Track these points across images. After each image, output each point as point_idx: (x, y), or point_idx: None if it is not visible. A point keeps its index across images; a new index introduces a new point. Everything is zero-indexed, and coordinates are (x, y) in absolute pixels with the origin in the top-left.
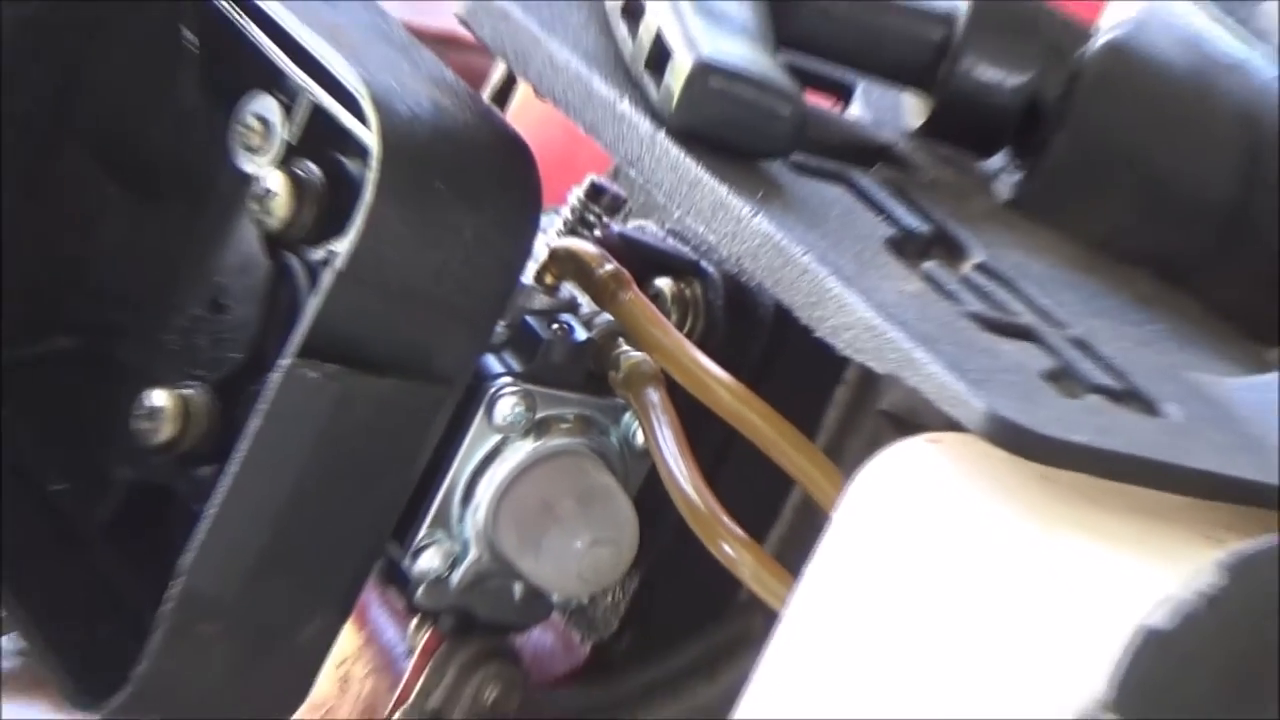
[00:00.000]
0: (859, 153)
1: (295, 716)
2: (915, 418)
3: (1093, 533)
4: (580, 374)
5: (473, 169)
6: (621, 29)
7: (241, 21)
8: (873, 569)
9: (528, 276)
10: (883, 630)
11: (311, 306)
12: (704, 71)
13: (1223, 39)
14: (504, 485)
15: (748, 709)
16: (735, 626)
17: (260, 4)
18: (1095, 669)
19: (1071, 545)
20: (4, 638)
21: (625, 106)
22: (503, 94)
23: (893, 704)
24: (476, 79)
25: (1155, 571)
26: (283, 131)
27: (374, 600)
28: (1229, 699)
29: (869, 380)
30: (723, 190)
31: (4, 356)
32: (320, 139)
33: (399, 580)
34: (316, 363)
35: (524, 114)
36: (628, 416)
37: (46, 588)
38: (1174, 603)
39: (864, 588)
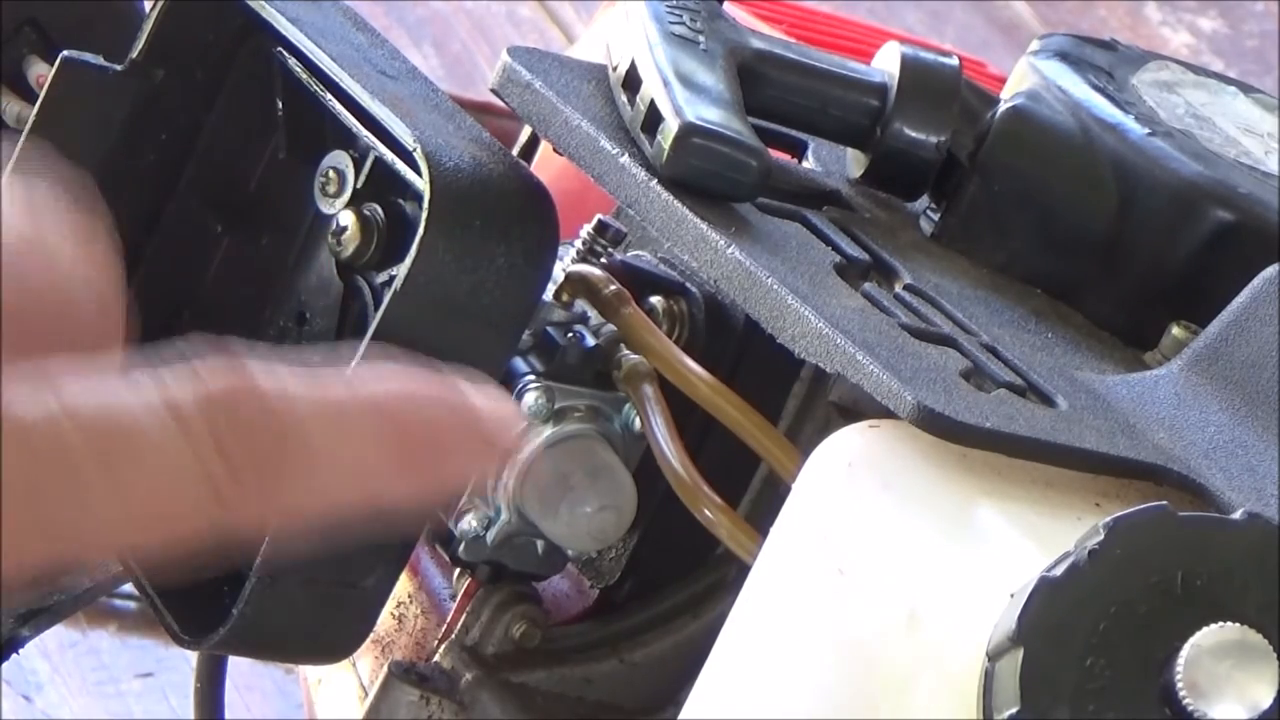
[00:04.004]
0: (812, 197)
1: (360, 649)
2: (858, 407)
3: (1002, 498)
4: (590, 373)
5: (504, 210)
6: (622, 98)
7: (322, 94)
8: (825, 530)
9: (548, 295)
10: (833, 579)
11: (375, 319)
12: (688, 132)
13: (1102, 105)
14: (528, 462)
15: (727, 640)
16: (714, 574)
17: (336, 80)
18: (1006, 610)
19: (985, 508)
20: (125, 586)
21: (625, 160)
22: (529, 150)
23: (841, 639)
24: (508, 139)
25: (1051, 529)
26: (353, 180)
27: (425, 554)
28: (1109, 633)
29: (820, 377)
30: (703, 226)
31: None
32: (383, 186)
33: (444, 538)
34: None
35: (545, 166)
36: (628, 407)
37: None
38: (1067, 556)
39: (817, 545)
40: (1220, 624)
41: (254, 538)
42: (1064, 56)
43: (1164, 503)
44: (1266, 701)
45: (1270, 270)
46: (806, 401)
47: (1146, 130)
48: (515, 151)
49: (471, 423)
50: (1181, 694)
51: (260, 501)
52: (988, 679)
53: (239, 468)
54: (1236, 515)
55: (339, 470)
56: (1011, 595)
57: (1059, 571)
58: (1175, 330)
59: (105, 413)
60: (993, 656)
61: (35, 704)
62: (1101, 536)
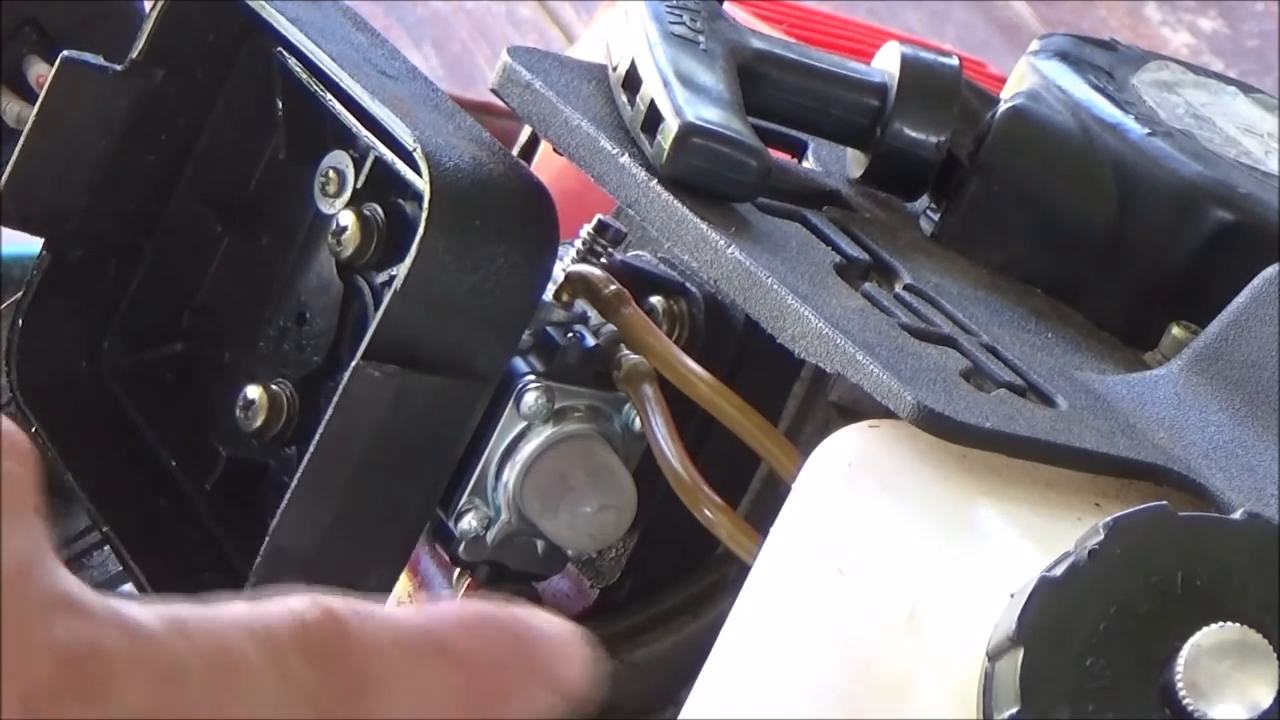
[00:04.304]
0: (812, 197)
1: None
2: (858, 407)
3: (1002, 498)
4: (590, 373)
5: (504, 209)
6: (622, 98)
7: (322, 94)
8: (825, 530)
9: (548, 295)
10: (833, 579)
11: (375, 319)
12: (688, 132)
13: (1102, 105)
14: (529, 462)
15: (726, 640)
16: (714, 574)
17: (336, 80)
18: (1006, 610)
19: (984, 508)
20: (124, 587)
21: (625, 160)
22: (528, 150)
23: (841, 639)
24: (508, 139)
25: (1051, 529)
26: (353, 180)
27: (424, 554)
28: (1109, 633)
29: (820, 377)
30: (703, 226)
31: (128, 359)
32: (383, 186)
33: (444, 538)
34: (379, 364)
35: (545, 166)
36: (627, 407)
37: (161, 546)
38: (1067, 556)
39: (817, 545)
40: (1220, 624)
41: None
42: (1064, 56)
43: (1164, 503)
44: (1266, 701)
45: (1270, 270)
46: (806, 401)
47: (1146, 130)
48: (515, 151)
49: (536, 662)
50: (1181, 694)
51: None
52: (987, 679)
53: (326, 706)
54: (1236, 515)
55: (412, 710)
56: (1011, 595)
57: (1059, 571)
58: (1175, 330)
59: (218, 639)
60: (993, 656)
61: None
62: (1101, 536)
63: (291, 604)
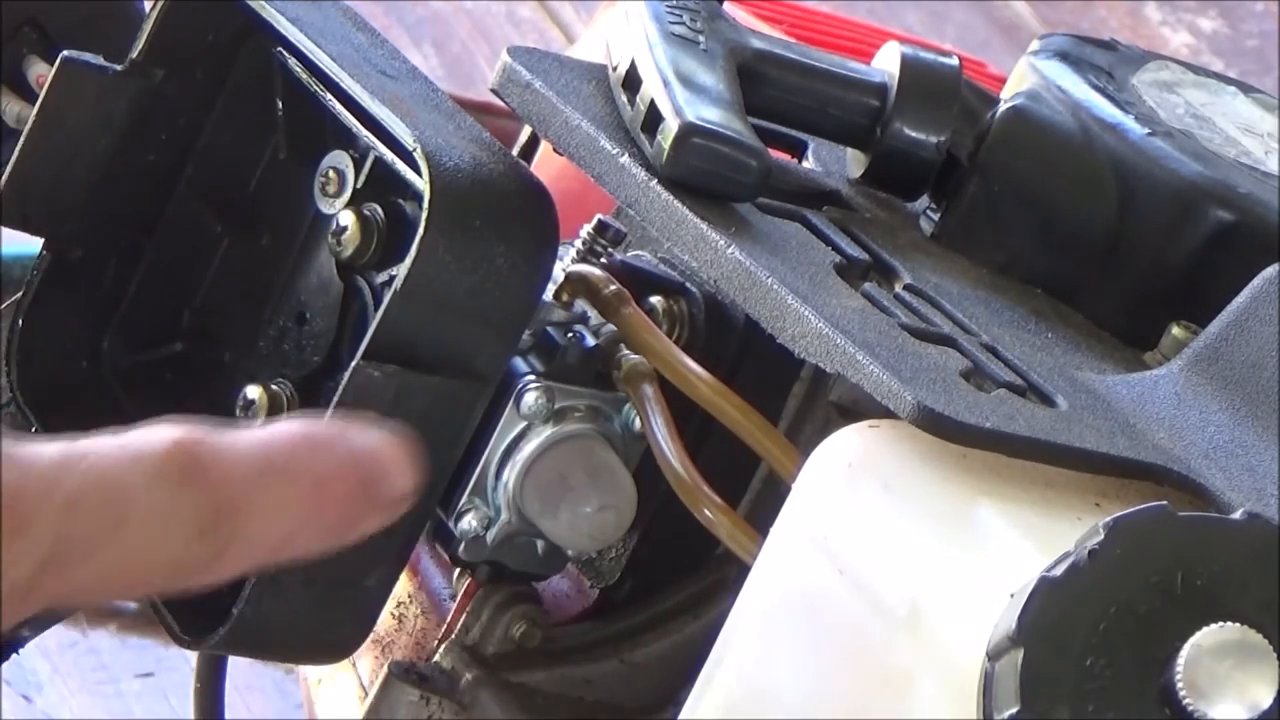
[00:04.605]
0: (812, 197)
1: (361, 648)
2: (858, 407)
3: (1001, 498)
4: (590, 373)
5: (504, 209)
6: (622, 98)
7: (322, 94)
8: (825, 530)
9: (548, 295)
10: (833, 579)
11: (375, 319)
12: (689, 132)
13: (1102, 105)
14: (529, 462)
15: (726, 640)
16: (714, 574)
17: (336, 80)
18: (1006, 610)
19: (984, 508)
20: None
21: (625, 160)
22: (528, 150)
23: (841, 639)
24: (509, 140)
25: (1051, 529)
26: (353, 180)
27: (425, 554)
28: (1109, 633)
29: (820, 377)
30: (703, 226)
31: (129, 358)
32: (383, 186)
33: (444, 538)
34: (379, 364)
35: (545, 166)
36: (627, 407)
37: None
38: (1067, 556)
39: (817, 545)
40: (1220, 624)
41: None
42: (1064, 56)
43: (1164, 503)
44: (1266, 701)
45: (1270, 270)
46: (806, 402)
47: (1146, 130)
48: (515, 151)
49: (368, 475)
50: (1181, 694)
51: (216, 553)
52: (987, 679)
53: (206, 526)
54: (1236, 515)
55: (268, 523)
56: (1011, 595)
57: (1059, 571)
58: (1175, 330)
59: (106, 470)
60: (993, 656)
61: (35, 704)
62: (1101, 536)
63: (163, 431)
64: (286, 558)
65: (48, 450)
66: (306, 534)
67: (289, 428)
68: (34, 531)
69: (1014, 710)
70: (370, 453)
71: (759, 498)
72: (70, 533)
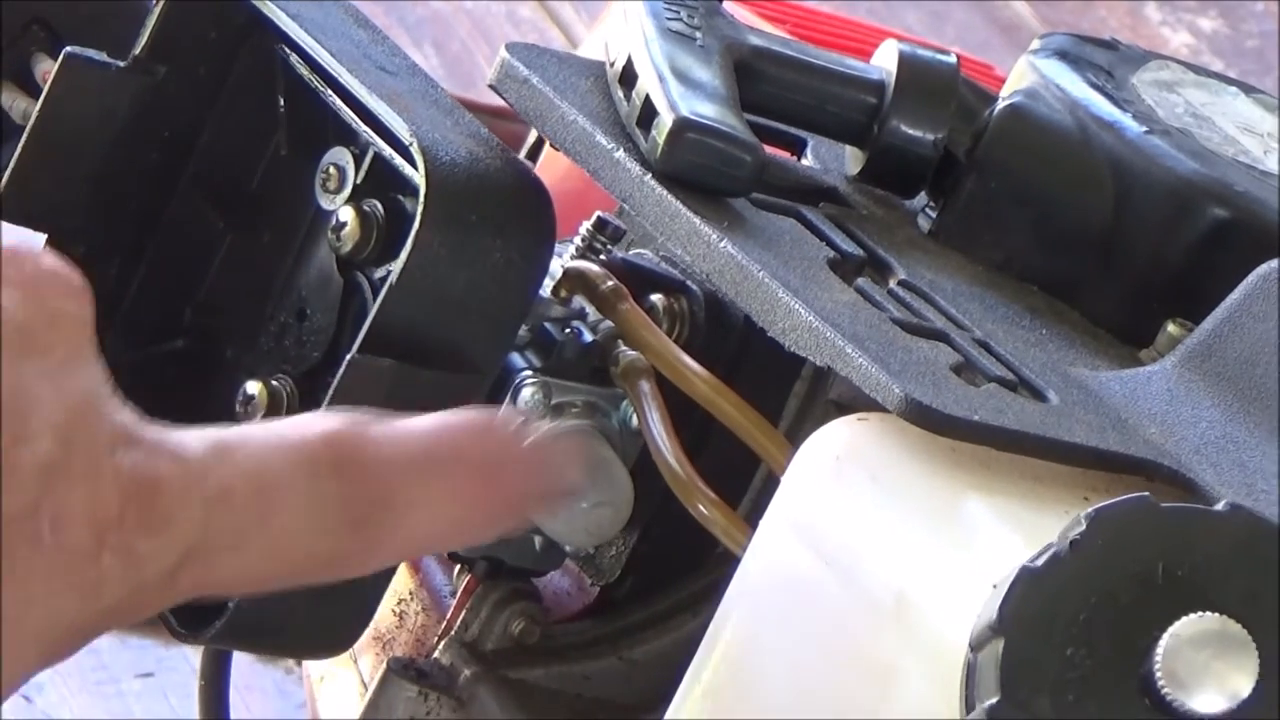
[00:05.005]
0: (808, 193)
1: (362, 645)
2: (858, 405)
3: (990, 492)
4: (587, 369)
5: (500, 204)
6: (618, 93)
7: (323, 90)
8: (812, 522)
9: (545, 291)
10: (820, 570)
11: (371, 313)
12: (683, 128)
13: (1100, 103)
14: None
15: (714, 632)
16: (714, 573)
17: (337, 77)
18: (988, 601)
19: (972, 501)
20: None
21: (621, 155)
22: (535, 151)
23: (827, 630)
24: (518, 143)
25: (1038, 522)
26: (354, 177)
27: None
28: (1089, 623)
29: (821, 376)
30: (696, 220)
31: (130, 355)
32: (383, 182)
33: None
34: (375, 358)
35: (550, 165)
36: (625, 404)
37: None
38: (1049, 547)
39: (804, 537)
40: (1200, 614)
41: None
42: (1064, 55)
43: (1146, 494)
44: (1245, 691)
45: (1264, 267)
46: (807, 400)
47: (1144, 128)
48: (523, 153)
49: (535, 464)
50: (1161, 684)
51: (369, 546)
52: (970, 669)
53: (356, 520)
54: (1219, 506)
55: (429, 515)
56: (994, 586)
57: (1040, 562)
58: (1171, 328)
59: (257, 460)
60: (975, 647)
61: (35, 704)
62: (1083, 527)
63: (318, 422)
64: (448, 549)
65: (197, 440)
66: (465, 529)
67: (460, 416)
68: (179, 523)
69: (994, 700)
70: (541, 449)
71: (759, 497)
72: (216, 525)
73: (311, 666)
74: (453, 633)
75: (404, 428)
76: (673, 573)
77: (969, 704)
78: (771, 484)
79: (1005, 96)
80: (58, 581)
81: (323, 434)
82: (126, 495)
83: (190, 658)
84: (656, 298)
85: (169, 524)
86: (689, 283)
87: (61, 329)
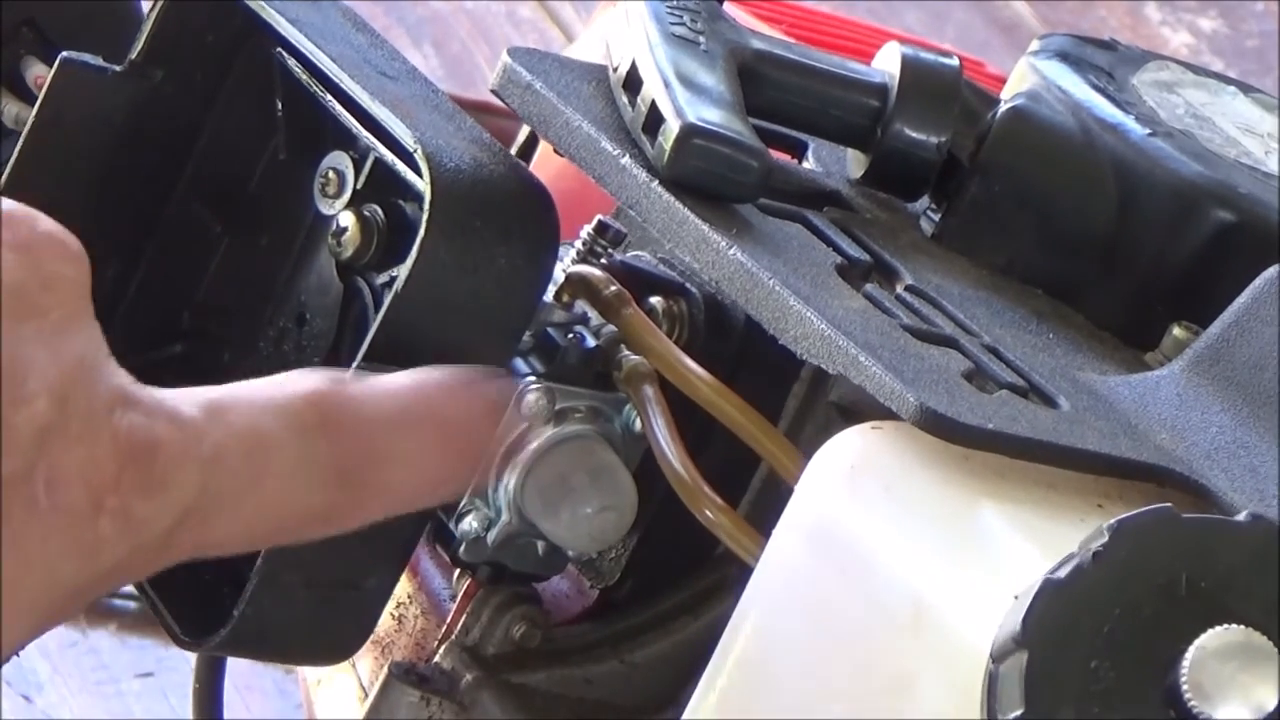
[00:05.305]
0: (813, 198)
1: (361, 649)
2: (858, 408)
3: (1004, 500)
4: (590, 374)
5: (504, 210)
6: (623, 99)
7: (321, 94)
8: (827, 532)
9: (548, 296)
10: (836, 581)
11: (376, 320)
12: (690, 133)
13: (1103, 105)
14: (529, 463)
15: (729, 641)
16: (714, 575)
17: (336, 81)
18: (1010, 612)
19: (987, 510)
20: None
21: (626, 161)
22: (526, 151)
23: (844, 641)
24: (508, 140)
25: (1053, 530)
26: (353, 181)
27: (425, 555)
28: (1113, 635)
29: (821, 378)
30: (704, 228)
31: (128, 360)
32: (383, 187)
33: (445, 539)
34: (379, 365)
35: (545, 166)
36: (628, 408)
37: None
38: (1071, 558)
39: (820, 547)
40: (1225, 626)
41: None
42: (1064, 56)
43: (1168, 505)
44: (1271, 704)
45: (1271, 270)
46: (807, 402)
47: (1147, 130)
48: (513, 151)
49: (497, 418)
50: (1186, 696)
51: (356, 501)
52: (991, 681)
53: (343, 477)
54: (1240, 517)
55: (409, 469)
56: (1015, 597)
57: (1063, 573)
58: (1176, 331)
59: (249, 421)
60: (996, 658)
61: (35, 704)
62: (1106, 539)
63: (300, 381)
64: (427, 504)
65: (190, 402)
66: (446, 482)
67: (434, 372)
68: (177, 485)
69: (1018, 712)
70: (505, 395)
71: (759, 498)
72: (212, 486)
73: (308, 670)
74: (453, 637)
75: (381, 385)
76: (673, 575)
77: (990, 716)
78: (771, 485)
79: (1007, 99)
80: (55, 544)
81: (307, 393)
82: (124, 457)
83: (190, 658)
84: (656, 300)
85: (167, 486)
86: (688, 285)
87: (58, 292)
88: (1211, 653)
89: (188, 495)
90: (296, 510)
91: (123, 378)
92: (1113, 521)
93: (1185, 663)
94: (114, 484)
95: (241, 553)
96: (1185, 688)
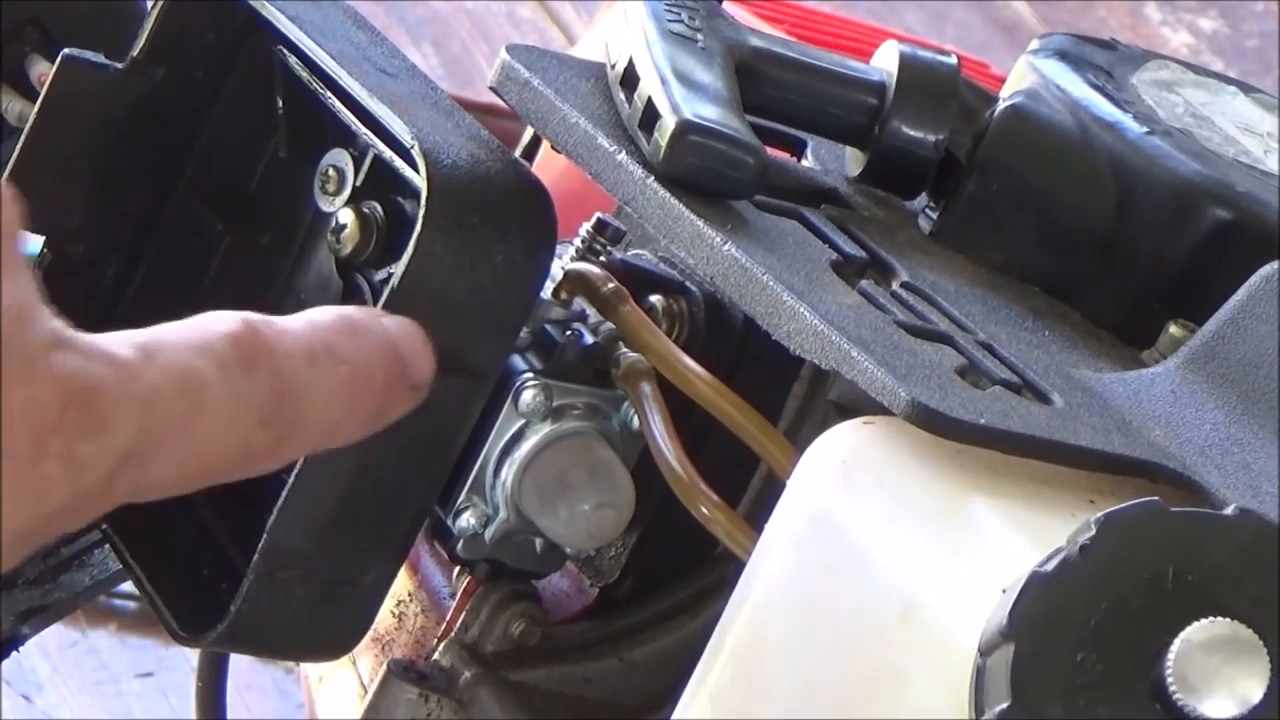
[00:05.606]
0: (809, 195)
1: (361, 646)
2: (857, 406)
3: (995, 495)
4: (588, 371)
5: (501, 207)
6: (619, 95)
7: (322, 93)
8: (818, 526)
9: (546, 293)
10: (827, 575)
11: None
12: (686, 130)
13: (1101, 104)
14: (527, 460)
15: (720, 636)
16: (714, 573)
17: (336, 78)
18: (997, 606)
19: (979, 505)
20: (124, 585)
21: (623, 157)
22: (530, 150)
23: (834, 635)
24: (512, 141)
25: (1044, 525)
26: (353, 178)
27: (424, 552)
28: (1100, 628)
29: (820, 376)
30: (699, 224)
31: None
32: (382, 184)
33: (443, 536)
34: None
35: (547, 165)
36: (626, 405)
37: (160, 544)
38: (1059, 552)
39: (811, 541)
40: (1211, 619)
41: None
42: (1063, 56)
43: (1155, 498)
44: (1257, 696)
45: (1267, 268)
46: (806, 401)
47: (1145, 129)
48: (518, 152)
49: (399, 359)
50: (1172, 689)
51: (279, 438)
52: (979, 674)
53: (267, 414)
54: (1228, 510)
55: (321, 408)
56: (1003, 591)
57: (1050, 567)
58: (1173, 328)
59: (179, 361)
60: (984, 652)
61: (35, 704)
62: (1093, 532)
63: (218, 323)
64: (332, 445)
65: (123, 343)
66: (350, 420)
67: (329, 314)
68: (118, 425)
69: (1005, 705)
70: (401, 338)
71: (759, 497)
72: (149, 425)
73: (310, 667)
74: (453, 634)
75: (286, 324)
76: (672, 573)
77: (978, 709)
78: (771, 484)
79: (1006, 97)
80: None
81: (228, 333)
82: (65, 399)
83: (190, 658)
84: (655, 299)
85: (107, 427)
86: (688, 284)
87: None
88: (1198, 645)
89: (128, 436)
90: (227, 448)
91: (56, 322)
92: (1100, 515)
93: (1171, 655)
94: (56, 426)
95: (174, 494)
96: (1171, 680)
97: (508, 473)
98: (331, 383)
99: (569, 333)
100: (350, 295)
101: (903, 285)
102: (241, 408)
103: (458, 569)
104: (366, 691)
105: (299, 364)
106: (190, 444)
